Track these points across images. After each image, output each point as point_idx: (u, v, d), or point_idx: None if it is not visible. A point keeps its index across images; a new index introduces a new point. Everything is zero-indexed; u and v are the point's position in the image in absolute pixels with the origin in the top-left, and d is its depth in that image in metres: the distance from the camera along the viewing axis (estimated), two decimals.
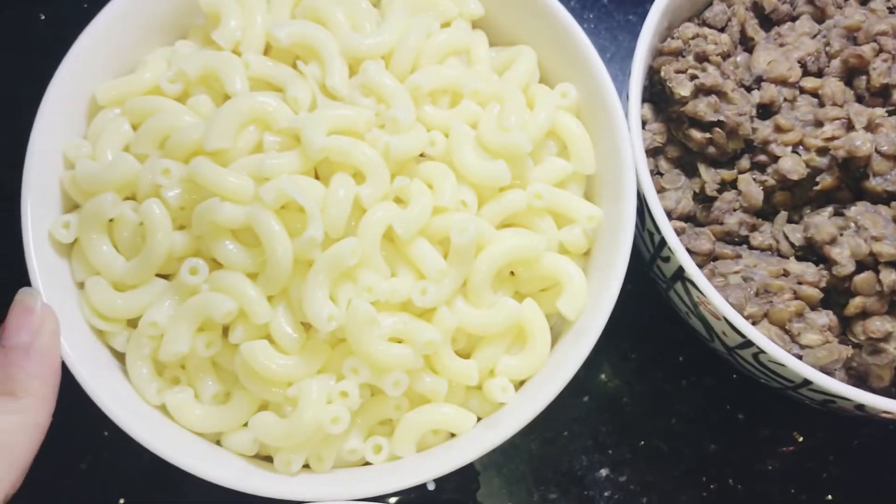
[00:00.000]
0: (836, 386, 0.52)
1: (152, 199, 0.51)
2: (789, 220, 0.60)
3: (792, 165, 0.58)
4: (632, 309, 0.66)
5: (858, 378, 0.57)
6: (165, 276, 0.53)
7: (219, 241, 0.51)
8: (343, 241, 0.50)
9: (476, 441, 0.51)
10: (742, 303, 0.55)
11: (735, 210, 0.60)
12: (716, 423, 0.66)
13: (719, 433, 0.66)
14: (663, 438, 0.66)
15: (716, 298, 0.53)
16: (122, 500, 0.63)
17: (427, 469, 0.51)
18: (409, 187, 0.53)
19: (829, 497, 0.65)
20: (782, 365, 0.52)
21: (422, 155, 0.55)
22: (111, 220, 0.53)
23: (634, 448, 0.66)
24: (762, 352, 0.52)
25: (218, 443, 0.53)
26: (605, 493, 0.64)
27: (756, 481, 0.65)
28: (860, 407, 0.53)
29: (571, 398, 0.66)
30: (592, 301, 0.54)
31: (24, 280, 0.51)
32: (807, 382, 0.52)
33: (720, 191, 0.60)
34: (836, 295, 0.57)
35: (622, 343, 0.68)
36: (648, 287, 0.63)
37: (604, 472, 0.65)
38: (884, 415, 0.53)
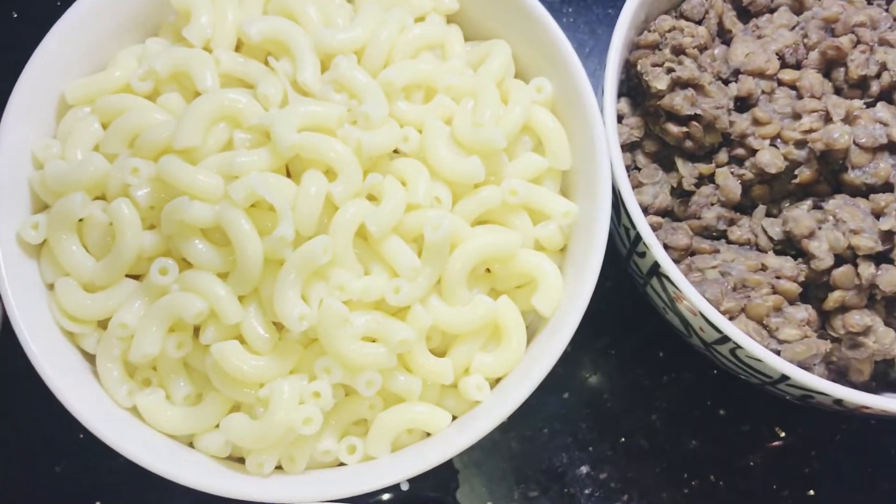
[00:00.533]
0: (814, 381, 0.51)
1: (121, 198, 0.51)
2: (768, 214, 0.59)
3: (770, 159, 0.57)
4: (611, 304, 0.66)
5: (838, 372, 0.57)
6: (136, 277, 0.53)
7: (188, 240, 0.50)
8: (314, 239, 0.49)
9: (451, 440, 0.51)
10: (719, 298, 0.54)
11: (713, 204, 0.59)
12: (697, 418, 0.66)
13: (700, 429, 0.66)
14: (644, 435, 0.65)
15: (692, 294, 0.52)
16: (97, 503, 0.62)
17: (402, 469, 0.50)
18: (382, 184, 0.52)
19: (812, 492, 0.65)
20: (760, 360, 0.52)
21: (396, 151, 0.54)
22: (81, 221, 0.52)
23: (615, 445, 0.65)
24: (739, 347, 0.52)
25: (191, 444, 0.52)
26: (586, 491, 0.64)
27: (737, 477, 0.65)
28: (839, 402, 0.52)
29: (551, 395, 0.66)
30: (567, 297, 0.53)
31: None
32: (784, 378, 0.52)
33: (698, 185, 0.60)
34: (815, 289, 0.57)
35: (602, 339, 0.67)
36: (628, 282, 0.63)
37: (584, 469, 0.64)
38: (863, 410, 0.53)
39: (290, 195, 0.50)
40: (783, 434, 0.66)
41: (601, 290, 0.66)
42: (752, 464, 0.65)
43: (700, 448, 0.65)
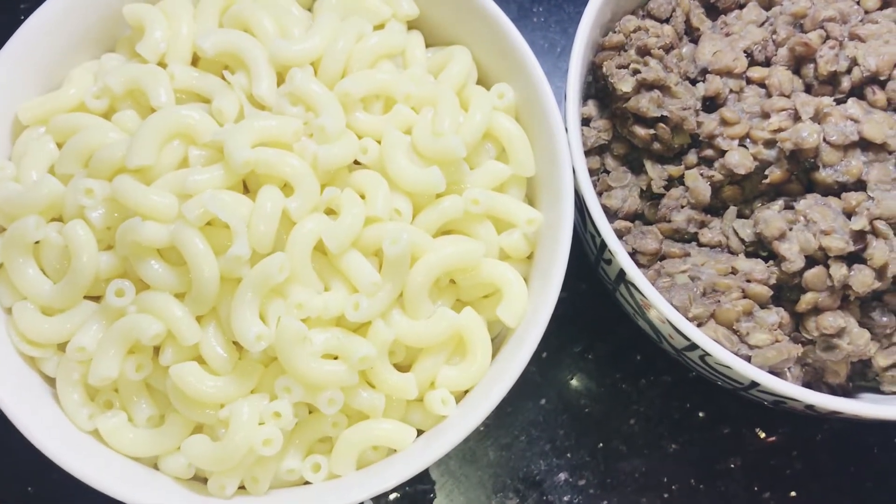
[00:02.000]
0: (785, 387, 0.50)
1: (76, 220, 0.50)
2: (740, 215, 0.58)
3: (739, 159, 0.56)
4: (587, 308, 0.66)
5: (815, 375, 0.56)
6: (96, 298, 0.52)
7: (143, 261, 0.49)
8: (270, 257, 0.48)
9: (417, 455, 0.50)
10: (687, 304, 0.53)
11: (683, 207, 0.58)
12: (676, 422, 0.65)
13: (680, 432, 0.65)
14: (623, 440, 0.65)
15: (659, 302, 0.51)
16: None
17: (368, 486, 0.49)
18: (341, 198, 0.51)
19: (794, 494, 0.64)
20: (729, 367, 0.51)
21: (356, 163, 0.53)
22: (37, 243, 0.51)
23: (593, 450, 0.64)
24: (708, 354, 0.51)
25: (155, 466, 0.52)
26: (565, 498, 0.63)
27: (718, 480, 0.64)
28: (810, 407, 0.51)
29: (528, 402, 0.65)
30: (533, 307, 0.52)
31: None
32: (755, 384, 0.51)
33: (668, 187, 0.59)
34: (787, 291, 0.56)
35: (578, 343, 0.67)
36: (602, 285, 0.62)
37: (563, 475, 0.64)
38: (835, 414, 0.52)
39: (245, 212, 0.49)
40: (763, 435, 0.65)
41: (576, 293, 0.66)
42: (732, 466, 0.64)
43: (680, 452, 0.64)
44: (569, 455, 0.64)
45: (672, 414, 0.65)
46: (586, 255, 0.60)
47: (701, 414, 0.65)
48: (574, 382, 0.66)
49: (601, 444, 0.65)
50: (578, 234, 0.59)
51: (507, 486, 0.64)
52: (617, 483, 0.64)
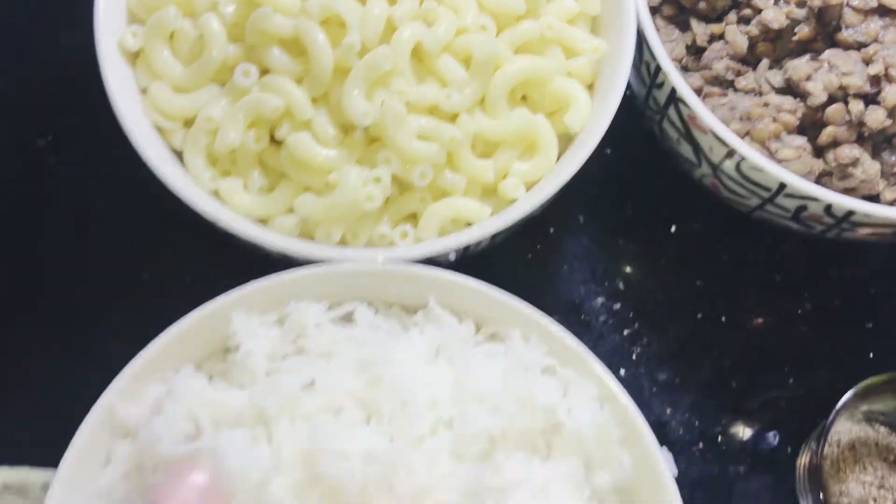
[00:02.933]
0: (807, 186, 0.59)
1: (210, 13, 0.58)
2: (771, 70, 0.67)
3: (773, 15, 0.65)
4: (628, 167, 0.75)
5: None
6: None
7: (268, 48, 0.58)
8: (378, 48, 0.57)
9: (489, 224, 0.58)
10: (727, 119, 0.62)
11: (722, 58, 0.67)
12: (702, 262, 0.73)
13: (705, 271, 0.73)
14: (654, 275, 0.73)
15: (703, 112, 0.60)
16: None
17: (449, 242, 0.57)
18: (437, 10, 0.60)
19: (804, 329, 0.72)
20: (761, 170, 0.59)
21: None
22: (172, 35, 0.60)
23: (628, 282, 0.73)
24: (744, 159, 0.60)
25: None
26: (601, 318, 0.71)
27: (736, 313, 0.72)
28: (829, 209, 0.60)
29: (573, 238, 0.73)
30: (594, 116, 0.61)
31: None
32: (782, 187, 0.60)
33: (710, 42, 0.68)
34: (811, 129, 0.64)
35: (619, 195, 0.75)
36: (646, 148, 0.71)
37: (599, 300, 0.72)
38: (850, 219, 0.60)
39: (357, 14, 0.58)
40: (779, 279, 0.73)
41: (622, 153, 0.74)
42: (748, 302, 0.72)
43: (705, 287, 0.73)
44: (606, 284, 0.72)
45: (699, 255, 0.73)
46: (634, 107, 0.68)
47: (725, 257, 0.74)
48: (613, 225, 0.74)
49: (635, 277, 0.73)
50: (631, 82, 0.67)
51: (550, 307, 0.70)
52: (648, 310, 0.72)
